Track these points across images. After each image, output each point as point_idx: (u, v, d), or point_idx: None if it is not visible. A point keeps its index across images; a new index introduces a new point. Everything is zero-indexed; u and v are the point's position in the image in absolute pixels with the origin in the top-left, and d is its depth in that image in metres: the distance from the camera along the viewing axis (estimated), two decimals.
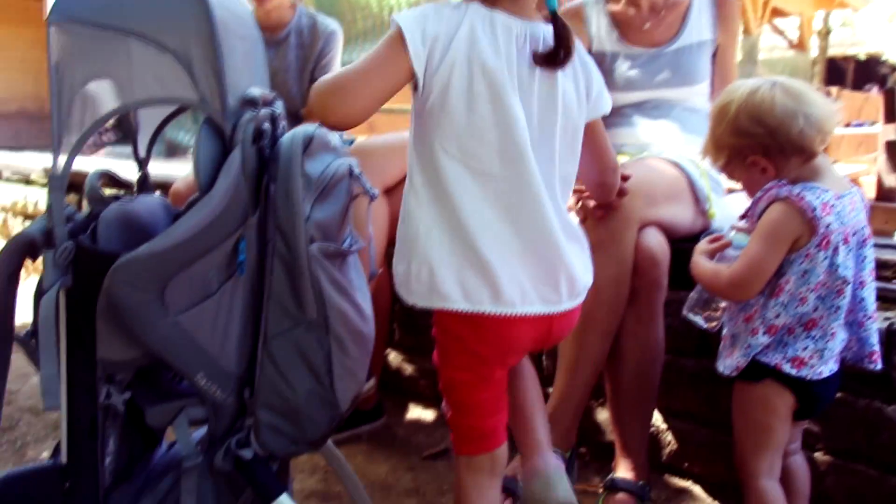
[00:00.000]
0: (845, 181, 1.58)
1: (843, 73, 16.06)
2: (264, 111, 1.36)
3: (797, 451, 1.71)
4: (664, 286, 1.78)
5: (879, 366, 1.58)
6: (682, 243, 1.90)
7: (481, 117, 1.29)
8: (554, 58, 1.30)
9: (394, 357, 2.67)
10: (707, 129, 2.20)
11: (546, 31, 1.32)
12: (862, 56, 16.67)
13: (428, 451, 2.27)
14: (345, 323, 1.39)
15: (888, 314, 1.84)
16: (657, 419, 2.11)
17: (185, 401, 1.39)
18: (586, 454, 2.23)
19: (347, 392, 1.42)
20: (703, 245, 1.64)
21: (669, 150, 2.04)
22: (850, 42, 16.56)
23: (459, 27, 1.27)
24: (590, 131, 1.43)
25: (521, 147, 1.29)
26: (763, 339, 1.52)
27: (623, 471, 1.87)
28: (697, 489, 2.08)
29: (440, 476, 2.14)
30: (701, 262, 1.61)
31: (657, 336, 1.82)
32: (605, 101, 1.44)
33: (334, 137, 1.42)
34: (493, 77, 1.28)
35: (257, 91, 1.37)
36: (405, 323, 2.61)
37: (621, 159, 1.80)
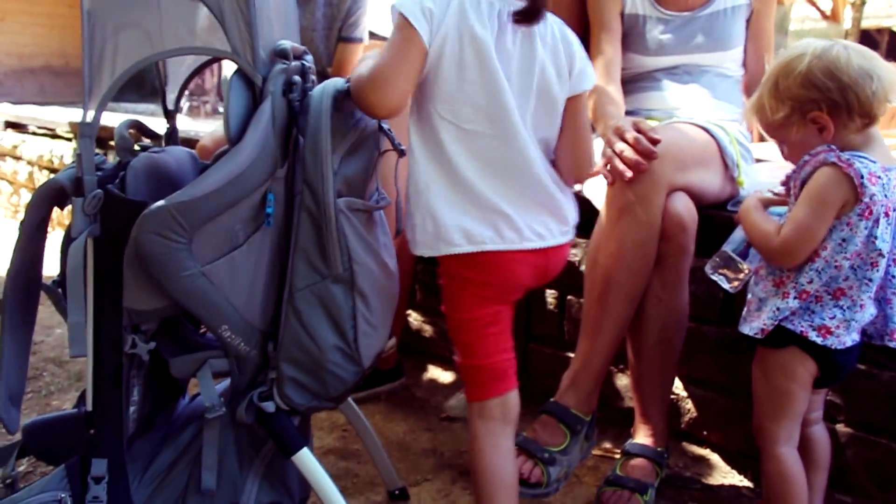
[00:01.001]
0: (893, 155, 1.55)
1: (877, 46, 15.76)
2: (295, 64, 1.35)
3: (818, 420, 1.70)
4: (691, 252, 1.76)
5: None
6: (709, 209, 1.88)
7: (471, 83, 1.39)
8: (526, 14, 1.41)
9: (414, 318, 2.67)
10: (738, 96, 2.19)
11: (520, 4, 1.43)
12: None
13: (446, 412, 2.28)
14: (370, 279, 1.39)
15: None
16: (677, 386, 2.10)
17: (209, 353, 1.40)
18: (606, 420, 2.24)
19: (371, 349, 1.43)
20: (757, 195, 1.62)
21: (699, 115, 2.01)
22: (886, 13, 16.20)
23: (450, 3, 1.38)
24: (570, 108, 1.50)
25: (508, 109, 1.41)
26: (793, 304, 1.51)
27: (642, 437, 1.87)
28: (715, 457, 2.08)
29: (458, 437, 2.15)
30: (756, 215, 1.58)
31: (682, 302, 1.81)
32: (588, 78, 1.50)
33: None
34: (481, 46, 1.38)
35: (288, 44, 1.36)
36: (426, 284, 2.61)
37: (651, 124, 1.78)
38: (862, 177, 1.42)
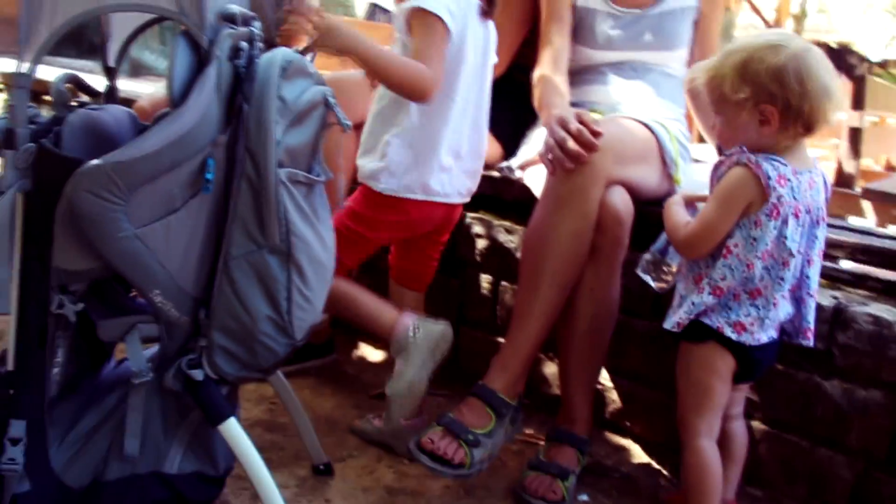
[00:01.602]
0: (810, 160, 1.60)
1: None
2: (243, 29, 1.33)
3: (739, 416, 1.75)
4: (626, 245, 1.80)
5: (811, 343, 1.63)
6: (646, 206, 1.92)
7: (464, 62, 1.84)
8: (486, 9, 1.88)
9: None
10: (681, 96, 2.23)
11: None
12: (834, 44, 16.79)
13: (375, 391, 2.28)
14: (307, 252, 1.38)
15: (835, 293, 1.88)
16: (604, 377, 2.14)
17: (139, 317, 1.38)
18: (531, 405, 2.26)
19: (304, 322, 1.42)
20: (683, 193, 1.69)
21: (642, 111, 2.04)
22: (826, 29, 16.63)
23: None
24: None
25: (477, 85, 1.88)
26: (707, 299, 1.56)
27: (567, 423, 1.90)
28: (637, 448, 2.12)
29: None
30: (674, 209, 1.64)
31: (613, 294, 1.84)
32: None
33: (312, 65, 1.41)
34: (471, 33, 1.84)
35: (237, 8, 1.34)
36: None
37: (594, 117, 1.80)
38: (769, 178, 1.48)
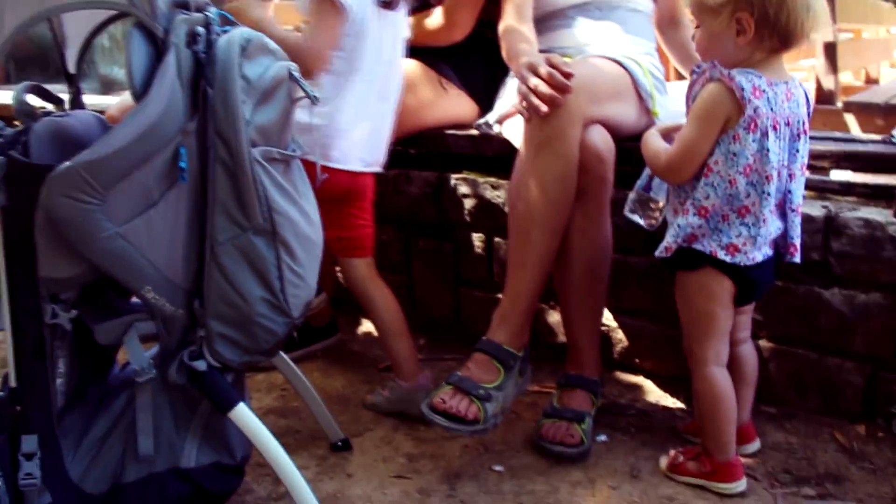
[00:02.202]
0: (786, 73, 1.59)
1: None
2: (197, 15, 1.32)
3: (747, 339, 1.75)
4: (611, 183, 1.79)
5: (798, 259, 1.62)
6: (627, 142, 1.91)
7: (367, 37, 1.85)
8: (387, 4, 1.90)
9: None
10: (651, 31, 2.22)
11: None
12: None
13: (384, 364, 2.29)
14: (293, 228, 1.38)
15: (825, 203, 1.88)
16: (608, 318, 2.14)
17: (134, 316, 1.37)
18: (540, 357, 2.27)
19: (299, 298, 1.42)
20: (659, 126, 1.69)
21: (611, 50, 2.03)
22: None
23: None
24: None
25: (385, 58, 1.91)
26: (693, 220, 1.55)
27: (576, 368, 1.90)
28: (649, 384, 2.14)
29: None
30: (651, 139, 1.63)
31: (605, 233, 1.84)
32: None
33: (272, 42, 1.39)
34: (372, 9, 1.85)
35: None
36: None
37: (563, 60, 1.78)
38: (744, 90, 1.46)
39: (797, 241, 1.61)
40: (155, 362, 1.39)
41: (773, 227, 1.57)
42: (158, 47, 1.25)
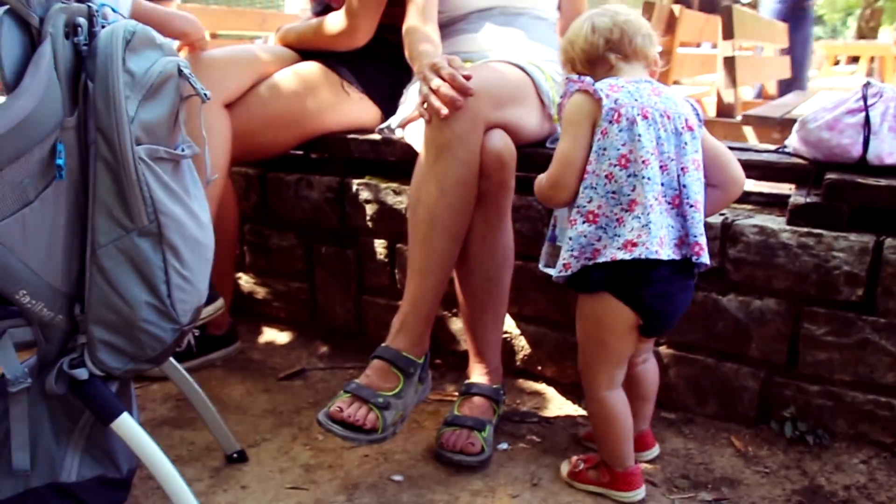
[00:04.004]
0: (645, 75, 1.63)
1: (690, 4, 16.53)
2: (78, 5, 1.25)
3: (647, 360, 1.74)
4: (512, 188, 1.78)
5: (705, 260, 1.53)
6: (529, 147, 1.91)
7: None
8: None
9: (245, 280, 2.59)
10: (554, 38, 2.23)
11: None
12: None
13: (284, 373, 2.24)
14: (180, 230, 1.32)
15: (722, 211, 1.91)
16: (510, 324, 2.14)
17: (9, 322, 1.29)
18: (442, 365, 2.25)
19: (187, 304, 1.36)
20: None
21: (514, 56, 2.03)
22: None
23: None
24: None
25: None
26: (583, 228, 1.52)
27: (477, 376, 1.89)
28: (551, 391, 2.13)
29: (297, 395, 2.11)
30: (536, 180, 1.63)
31: (506, 239, 1.82)
32: None
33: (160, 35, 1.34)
34: None
35: None
36: (255, 245, 2.53)
37: (462, 63, 1.77)
38: (599, 89, 1.51)
39: (701, 240, 1.52)
40: (33, 371, 1.32)
41: (661, 217, 1.50)
42: (33, 37, 1.18)
